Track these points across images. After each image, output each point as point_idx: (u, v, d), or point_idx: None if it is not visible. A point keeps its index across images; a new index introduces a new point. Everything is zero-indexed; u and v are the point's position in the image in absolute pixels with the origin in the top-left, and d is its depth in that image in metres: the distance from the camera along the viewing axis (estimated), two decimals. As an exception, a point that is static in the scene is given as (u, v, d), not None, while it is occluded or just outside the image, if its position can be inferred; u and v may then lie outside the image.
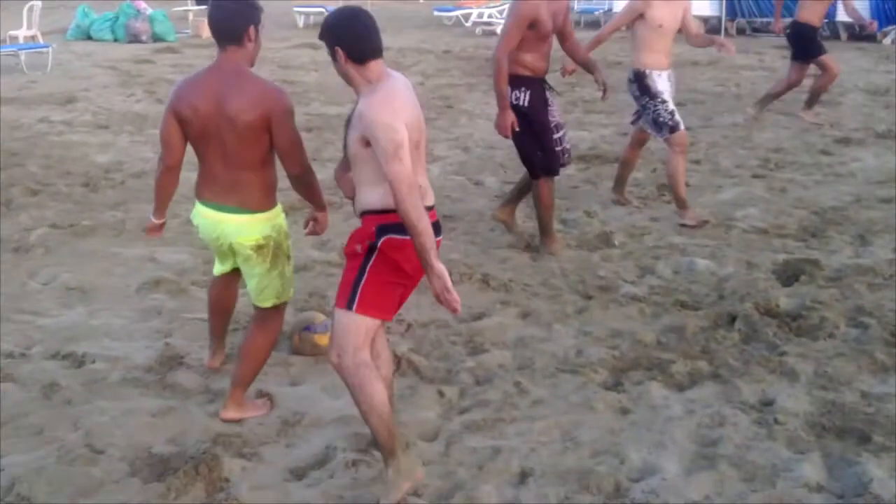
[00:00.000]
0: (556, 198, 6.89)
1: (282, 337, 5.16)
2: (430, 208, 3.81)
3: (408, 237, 3.59)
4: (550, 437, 4.29)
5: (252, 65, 4.29)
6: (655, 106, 7.19)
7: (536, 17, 6.28)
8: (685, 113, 7.38)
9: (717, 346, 5.20)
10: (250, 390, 4.62)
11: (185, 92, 4.24)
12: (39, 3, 18.48)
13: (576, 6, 23.02)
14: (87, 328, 5.55)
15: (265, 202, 4.32)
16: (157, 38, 19.92)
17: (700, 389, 4.72)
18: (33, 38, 18.06)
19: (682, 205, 7.37)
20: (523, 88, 6.43)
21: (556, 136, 6.65)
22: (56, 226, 7.45)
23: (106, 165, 9.39)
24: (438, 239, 3.83)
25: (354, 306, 3.78)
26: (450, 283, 3.55)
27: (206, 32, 19.56)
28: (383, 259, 3.76)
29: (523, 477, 3.98)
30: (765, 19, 20.89)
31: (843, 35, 19.35)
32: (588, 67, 6.91)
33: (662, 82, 7.21)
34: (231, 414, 4.48)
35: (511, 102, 6.41)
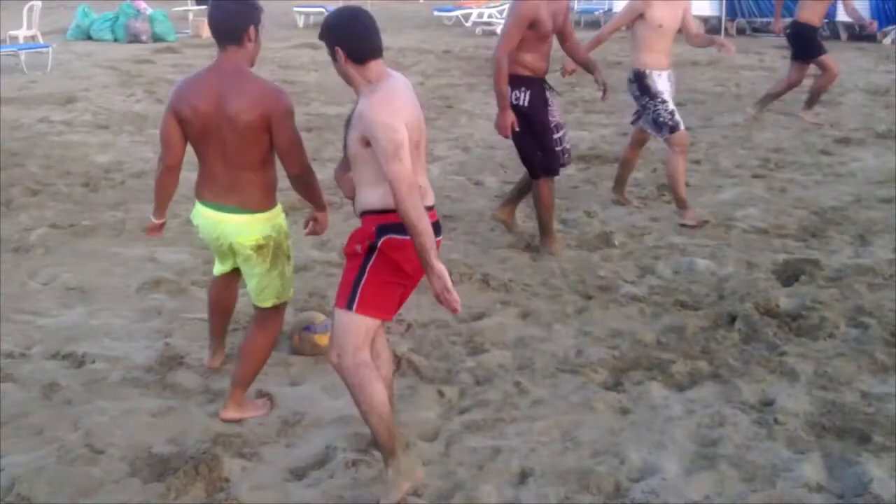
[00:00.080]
0: (556, 198, 6.89)
1: (282, 337, 5.16)
2: (430, 208, 3.82)
3: (408, 237, 3.59)
4: (550, 437, 4.29)
5: (252, 65, 4.29)
6: (655, 106, 7.19)
7: (536, 17, 6.28)
8: (685, 113, 7.38)
9: (717, 346, 5.20)
10: (250, 390, 4.62)
11: (185, 92, 4.24)
12: (39, 3, 18.48)
13: (575, 6, 23.02)
14: (87, 328, 5.55)
15: (265, 202, 4.32)
16: (157, 38, 19.92)
17: (700, 389, 4.72)
18: (33, 38, 18.06)
19: (682, 205, 7.37)
20: (523, 88, 6.43)
21: (556, 135, 6.65)
22: (56, 226, 7.45)
23: (106, 165, 9.39)
24: (438, 239, 3.83)
25: (354, 306, 3.79)
26: (450, 283, 3.55)
27: (206, 32, 19.50)
28: (383, 259, 3.76)
29: (523, 477, 3.98)
30: (765, 19, 20.90)
31: (843, 35, 19.35)
32: (588, 67, 6.91)
33: (662, 82, 7.21)
34: (231, 414, 4.48)
35: (511, 102, 6.41)
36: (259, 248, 4.31)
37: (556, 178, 6.84)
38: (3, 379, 4.86)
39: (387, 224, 3.73)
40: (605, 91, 6.97)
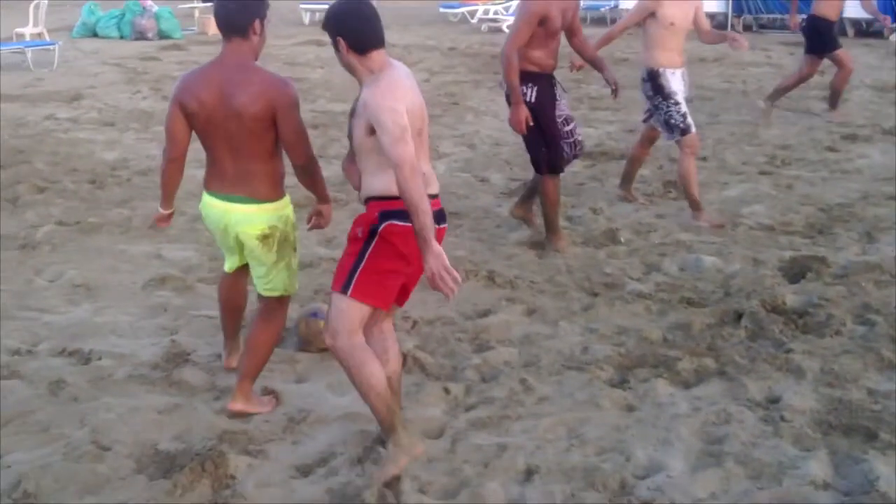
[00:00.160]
0: (562, 194, 6.89)
1: (288, 334, 5.18)
2: (434, 196, 3.86)
3: (409, 224, 3.63)
4: (556, 435, 4.29)
5: (257, 58, 4.31)
6: (668, 107, 7.15)
7: (546, 13, 6.28)
8: (692, 110, 7.36)
9: (723, 343, 5.19)
10: (256, 387, 4.62)
11: (190, 84, 4.26)
12: (46, 1, 18.51)
13: (582, 3, 22.95)
14: (94, 325, 5.56)
15: (273, 193, 4.33)
16: (162, 36, 19.94)
17: (706, 387, 4.71)
18: (39, 35, 18.07)
19: (695, 206, 7.33)
20: (530, 84, 6.43)
21: (566, 128, 6.67)
22: (62, 223, 7.46)
23: (112, 163, 9.40)
24: (443, 227, 3.93)
25: (349, 291, 3.85)
26: (448, 263, 3.57)
27: (213, 29, 19.50)
28: (383, 244, 3.81)
29: (529, 474, 3.97)
30: (771, 15, 20.86)
31: (850, 31, 19.29)
32: (596, 65, 6.93)
33: (676, 81, 7.17)
34: (239, 406, 4.49)
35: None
36: (265, 237, 4.32)
37: (563, 174, 6.83)
38: (9, 376, 4.87)
39: (389, 210, 3.78)
40: (616, 90, 6.97)
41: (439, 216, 3.89)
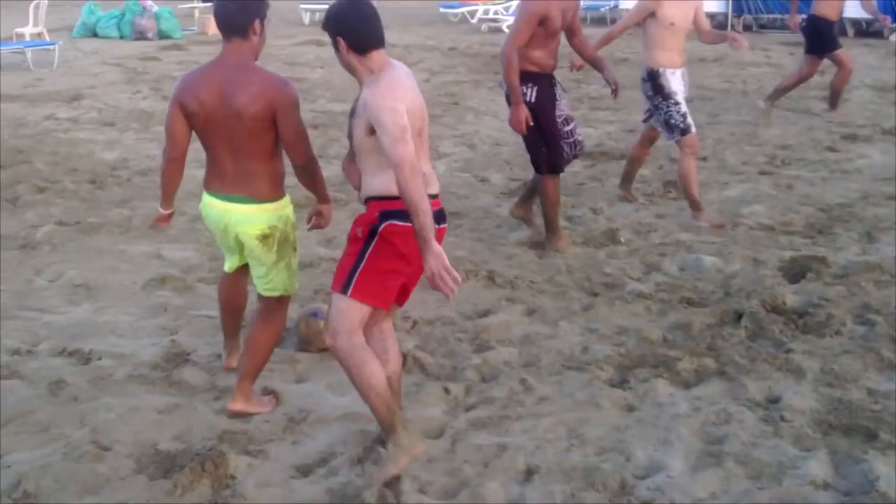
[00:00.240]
0: (562, 194, 6.89)
1: (288, 334, 5.18)
2: (434, 196, 3.87)
3: (409, 224, 3.63)
4: (556, 435, 4.29)
5: (256, 58, 4.31)
6: (668, 107, 7.15)
7: (547, 14, 6.29)
8: (692, 110, 7.36)
9: (723, 343, 5.19)
10: (256, 387, 4.62)
11: (190, 84, 4.27)
12: (46, 1, 18.50)
13: (582, 2, 22.95)
14: (94, 325, 5.56)
15: (273, 193, 4.33)
16: (162, 36, 19.94)
17: (706, 387, 4.71)
18: (40, 35, 18.07)
19: (695, 206, 7.33)
20: (530, 84, 6.43)
21: (566, 128, 6.68)
22: (62, 223, 7.46)
23: (112, 163, 9.40)
24: (443, 227, 3.94)
25: (349, 291, 3.86)
26: (448, 263, 3.58)
27: (213, 29, 19.49)
28: (383, 244, 3.82)
29: (529, 474, 3.97)
30: (771, 15, 20.86)
31: (850, 31, 19.29)
32: (596, 65, 6.94)
33: (676, 82, 7.17)
34: (239, 406, 4.49)
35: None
36: (265, 237, 4.32)
37: (562, 174, 6.83)
38: (9, 376, 4.87)
39: (390, 210, 3.79)
40: (616, 90, 6.98)
41: (439, 216, 3.90)
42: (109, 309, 5.80)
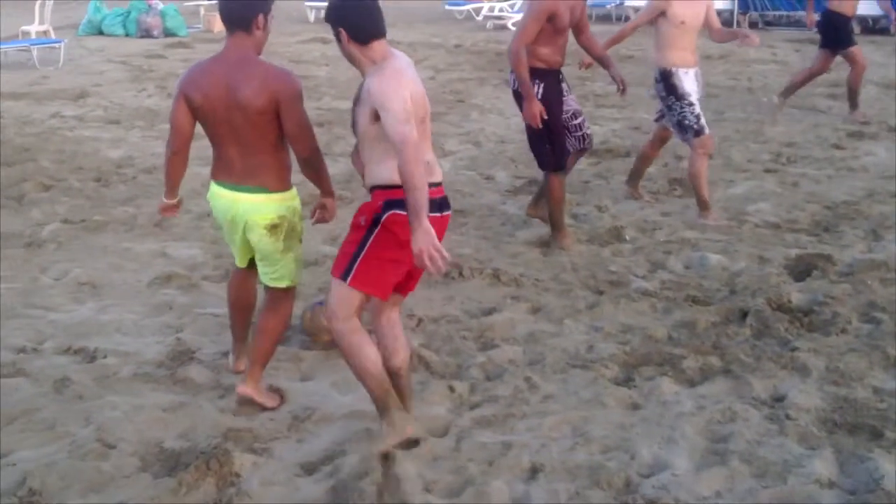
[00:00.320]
0: (567, 192, 6.88)
1: (292, 332, 5.19)
2: (437, 184, 3.92)
3: None
4: (561, 433, 4.29)
5: (259, 53, 4.33)
6: (682, 108, 7.11)
7: (555, 11, 6.29)
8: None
9: (728, 341, 5.19)
10: (262, 386, 4.63)
11: (195, 77, 4.31)
12: (51, -1, 18.53)
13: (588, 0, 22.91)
14: (99, 323, 5.57)
15: (281, 184, 4.36)
16: (168, 34, 19.93)
17: (711, 385, 4.71)
18: (45, 33, 18.07)
19: (704, 206, 7.30)
20: (537, 81, 6.43)
21: (575, 122, 6.72)
22: (68, 221, 7.47)
23: (117, 161, 9.40)
24: (447, 214, 4.03)
25: (349, 279, 3.93)
26: (437, 242, 3.62)
27: (218, 27, 19.42)
28: (385, 234, 3.86)
29: (533, 472, 3.97)
30: (777, 12, 20.80)
31: (857, 29, 19.22)
32: (603, 63, 6.96)
33: (689, 81, 7.12)
34: (248, 390, 4.52)
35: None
36: (273, 227, 4.34)
37: (568, 172, 6.84)
38: (14, 374, 4.88)
39: (394, 199, 3.83)
40: (623, 88, 6.97)
41: (443, 203, 4.00)
42: (114, 307, 5.81)
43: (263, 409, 4.55)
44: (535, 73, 6.41)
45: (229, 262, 5.55)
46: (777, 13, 20.83)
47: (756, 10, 21.07)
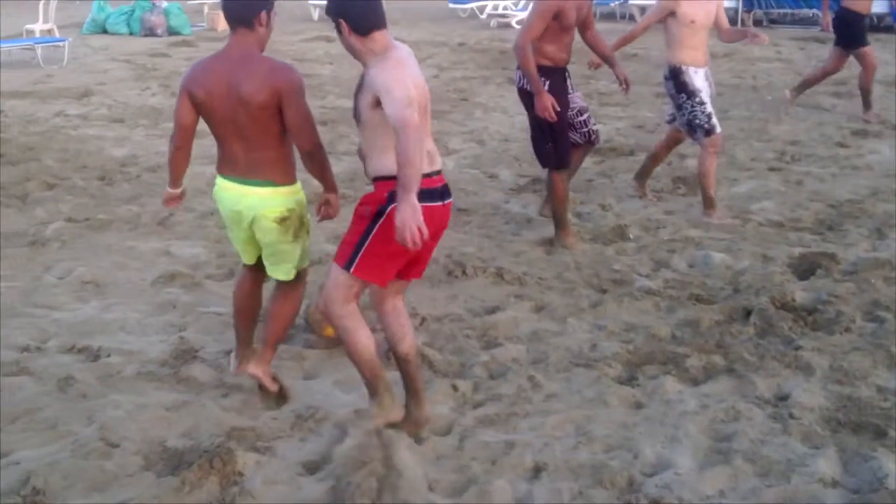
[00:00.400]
0: (570, 191, 6.88)
1: (296, 331, 5.19)
2: (437, 173, 3.95)
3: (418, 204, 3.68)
4: (564, 432, 4.29)
5: (262, 50, 4.35)
6: (693, 107, 7.10)
7: (561, 9, 6.30)
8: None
9: (732, 340, 5.18)
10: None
11: (198, 74, 4.32)
12: (56, -3, 18.55)
13: (592, -2, 22.87)
14: (102, 322, 5.57)
15: (287, 177, 4.38)
16: (172, 32, 19.95)
17: (715, 384, 4.70)
18: (49, 31, 18.09)
19: (709, 204, 7.30)
20: (542, 78, 6.42)
21: (580, 118, 6.76)
22: (72, 219, 7.48)
23: (121, 159, 9.41)
24: (448, 202, 4.06)
25: (352, 269, 3.98)
26: (421, 220, 3.63)
27: (222, 25, 19.44)
28: (388, 225, 3.85)
29: (537, 471, 3.97)
30: (782, 10, 20.78)
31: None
32: (608, 61, 6.97)
33: (699, 80, 7.12)
34: (255, 370, 4.55)
35: (528, 91, 6.42)
36: (283, 220, 4.35)
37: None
38: (18, 373, 4.89)
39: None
40: (626, 86, 6.98)
41: (444, 192, 4.04)
42: (118, 306, 5.81)
43: (262, 388, 4.58)
44: (541, 71, 6.41)
45: (233, 260, 5.54)
46: (782, 11, 20.80)
47: (761, 8, 21.05)
